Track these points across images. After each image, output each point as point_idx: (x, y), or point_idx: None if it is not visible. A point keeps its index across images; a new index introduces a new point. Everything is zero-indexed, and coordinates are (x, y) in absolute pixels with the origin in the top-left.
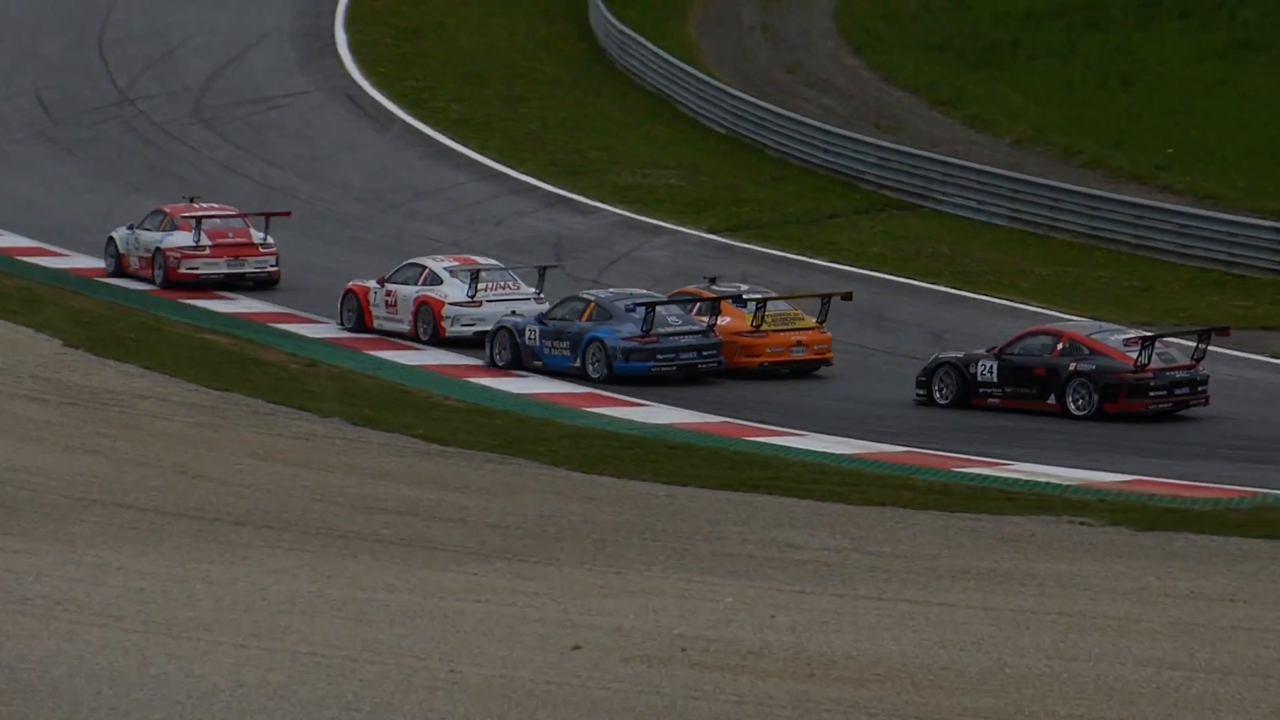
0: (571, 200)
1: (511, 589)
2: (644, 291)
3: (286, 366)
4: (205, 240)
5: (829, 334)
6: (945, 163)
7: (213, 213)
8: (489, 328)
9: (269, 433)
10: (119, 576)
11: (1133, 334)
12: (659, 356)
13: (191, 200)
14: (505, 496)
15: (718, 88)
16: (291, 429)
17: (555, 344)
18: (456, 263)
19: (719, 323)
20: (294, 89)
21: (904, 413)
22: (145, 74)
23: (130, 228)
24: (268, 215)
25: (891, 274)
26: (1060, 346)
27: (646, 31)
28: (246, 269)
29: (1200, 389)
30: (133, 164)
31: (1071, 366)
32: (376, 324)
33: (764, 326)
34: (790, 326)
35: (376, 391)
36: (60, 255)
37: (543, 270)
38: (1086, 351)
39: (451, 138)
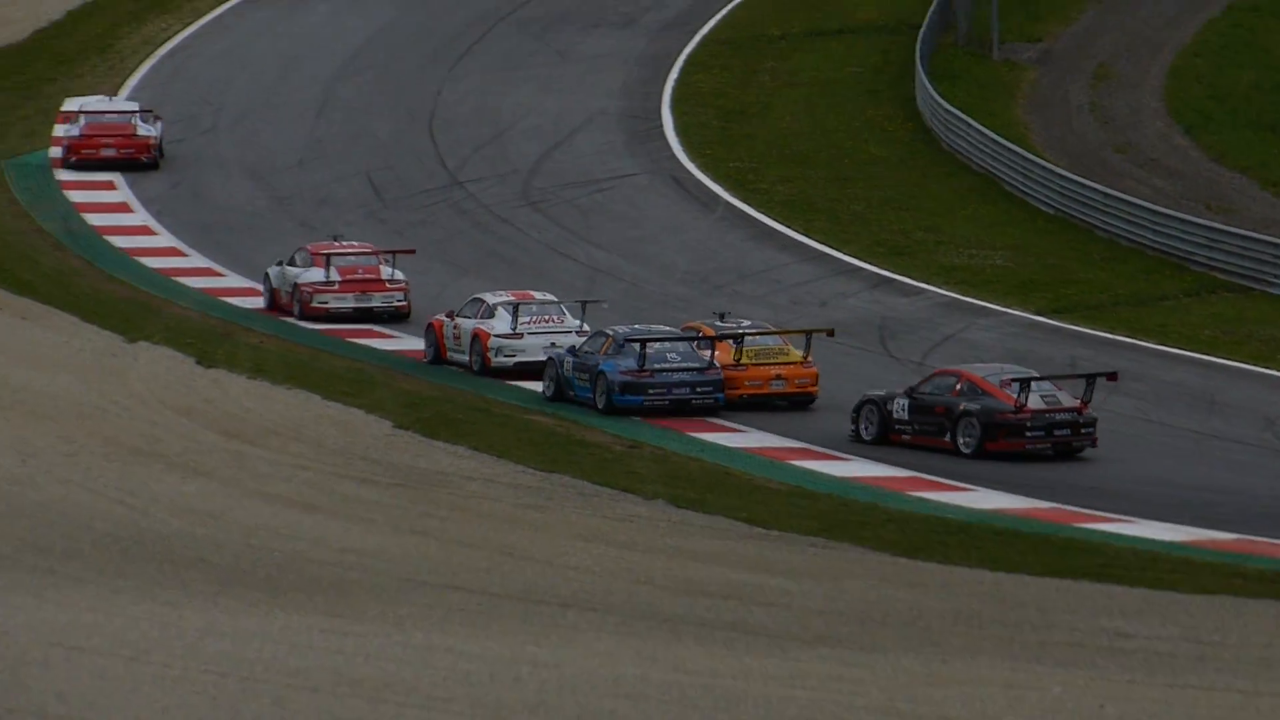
0: (896, 281)
1: (836, 676)
2: (664, 328)
3: (611, 448)
4: (335, 276)
5: (814, 368)
6: (1277, 245)
7: (346, 250)
8: (530, 359)
9: (594, 514)
10: (446, 659)
11: (1011, 375)
12: (651, 391)
13: (336, 239)
14: (829, 581)
15: (1045, 168)
16: (616, 511)
17: (582, 376)
18: (513, 298)
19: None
20: (621, 171)
21: (1238, 499)
22: (475, 156)
23: (279, 264)
24: (394, 253)
25: (1223, 358)
26: (959, 387)
27: (974, 112)
28: (374, 303)
29: (1085, 430)
30: (461, 246)
31: (962, 406)
32: (450, 355)
33: (744, 361)
34: (770, 361)
35: (700, 474)
36: (388, 336)
37: (584, 304)
38: (980, 392)
39: (776, 219)
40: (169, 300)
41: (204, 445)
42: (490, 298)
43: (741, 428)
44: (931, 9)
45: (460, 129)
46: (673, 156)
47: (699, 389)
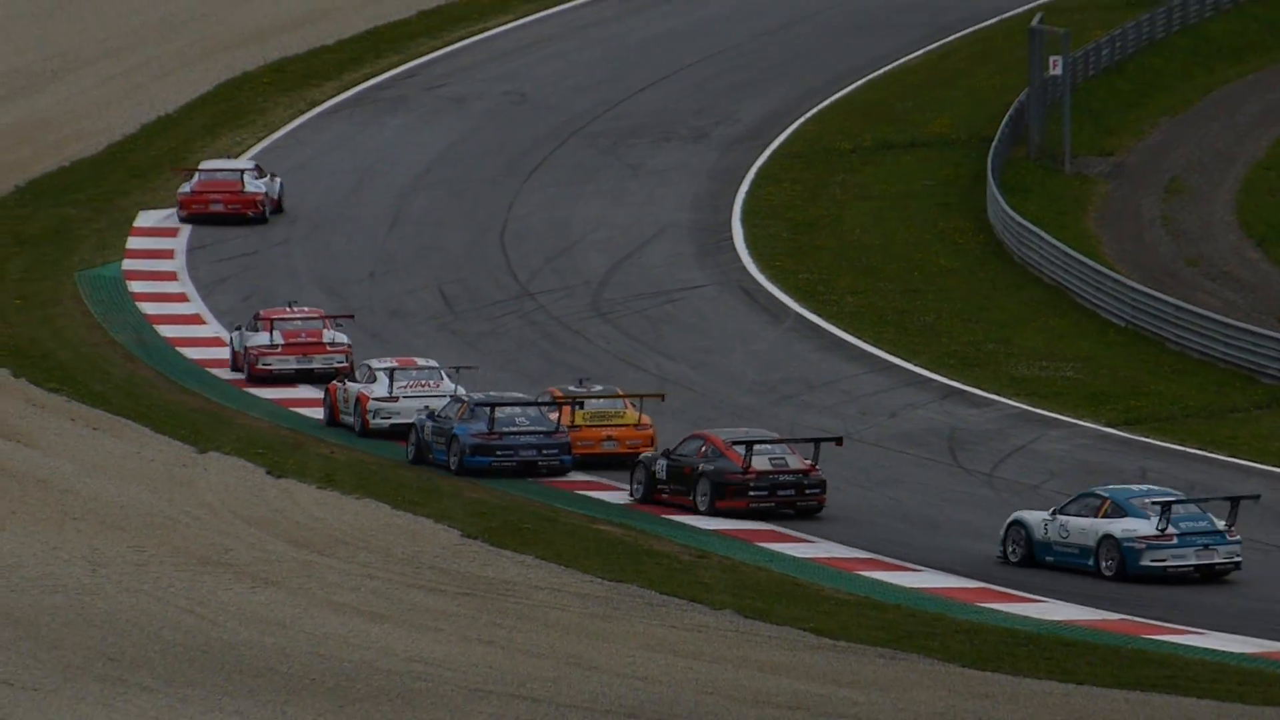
0: (966, 393)
1: None
2: (516, 394)
3: (678, 558)
4: (279, 339)
5: (649, 431)
6: None
7: (292, 315)
8: (405, 420)
9: (661, 624)
10: None
11: (740, 437)
12: (499, 452)
13: (290, 305)
14: (896, 693)
15: (1117, 280)
16: (684, 621)
17: (439, 439)
18: (395, 363)
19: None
20: (691, 282)
21: None
22: (545, 268)
23: (238, 329)
24: (334, 317)
25: None
26: (703, 449)
27: (1045, 224)
28: (314, 365)
29: (810, 491)
30: (531, 356)
31: (700, 467)
32: (342, 418)
33: (578, 422)
34: (604, 423)
35: (768, 584)
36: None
37: (457, 369)
38: (717, 454)
39: (845, 330)
40: (240, 411)
41: (273, 555)
42: (375, 363)
43: (810, 538)
44: (1003, 123)
45: (531, 241)
46: (743, 268)
47: (545, 451)
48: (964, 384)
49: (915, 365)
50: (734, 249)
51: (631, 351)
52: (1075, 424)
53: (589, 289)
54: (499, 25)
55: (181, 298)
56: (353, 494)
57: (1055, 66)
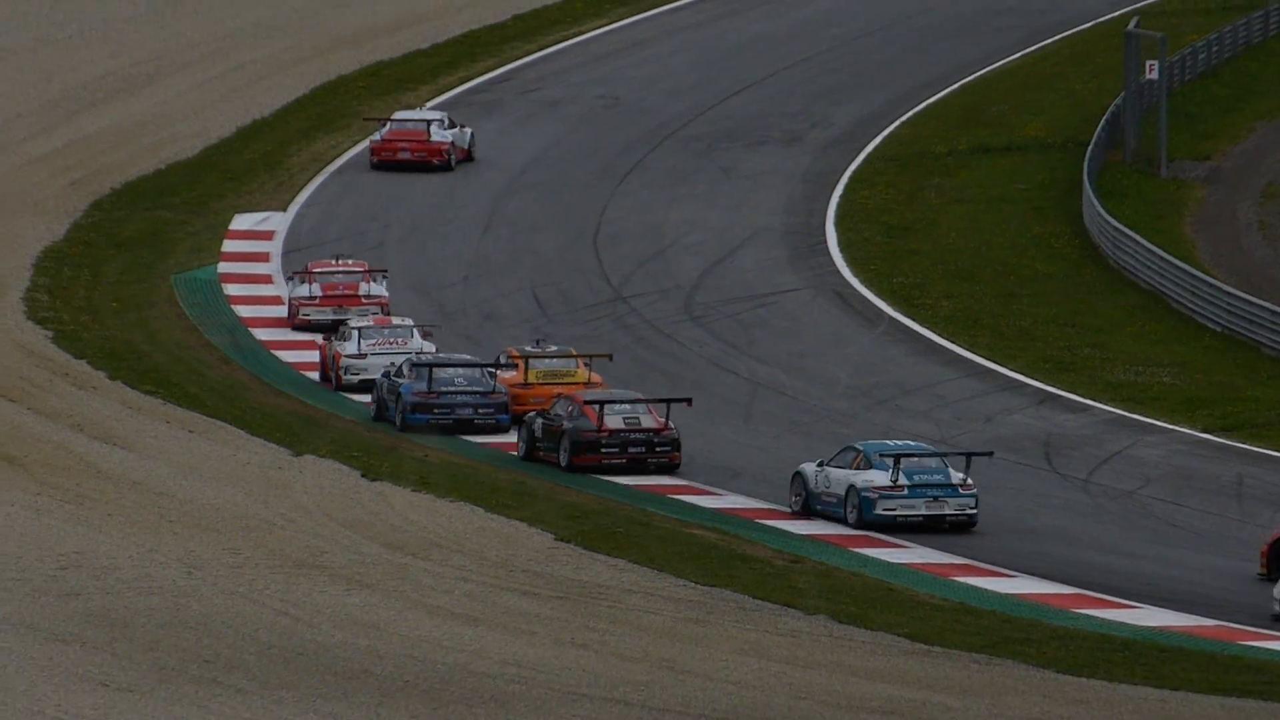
0: (1062, 398)
1: None
2: (463, 356)
3: (772, 562)
4: (317, 291)
5: (600, 388)
6: None
7: (333, 268)
8: (373, 376)
9: (755, 629)
10: None
11: (592, 398)
12: (436, 410)
13: (337, 258)
14: (990, 699)
15: (1213, 285)
16: (777, 625)
17: (391, 397)
18: (372, 322)
19: (506, 375)
20: (784, 286)
21: None
22: (638, 272)
23: (288, 280)
24: (374, 271)
25: None
26: (570, 409)
27: (1141, 228)
28: (349, 316)
29: (661, 449)
30: (623, 361)
31: (563, 426)
32: (330, 374)
33: (530, 380)
34: (556, 380)
35: (862, 589)
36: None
37: (423, 328)
38: (580, 414)
39: (940, 334)
40: (335, 414)
41: (368, 557)
42: (354, 322)
43: (905, 543)
44: (1099, 127)
45: (624, 244)
46: (836, 272)
47: (481, 410)
48: (1059, 389)
49: (1010, 370)
50: (828, 253)
51: (724, 355)
52: (1171, 429)
53: (682, 292)
54: (593, 29)
55: (277, 300)
56: (447, 497)
57: (1151, 70)
